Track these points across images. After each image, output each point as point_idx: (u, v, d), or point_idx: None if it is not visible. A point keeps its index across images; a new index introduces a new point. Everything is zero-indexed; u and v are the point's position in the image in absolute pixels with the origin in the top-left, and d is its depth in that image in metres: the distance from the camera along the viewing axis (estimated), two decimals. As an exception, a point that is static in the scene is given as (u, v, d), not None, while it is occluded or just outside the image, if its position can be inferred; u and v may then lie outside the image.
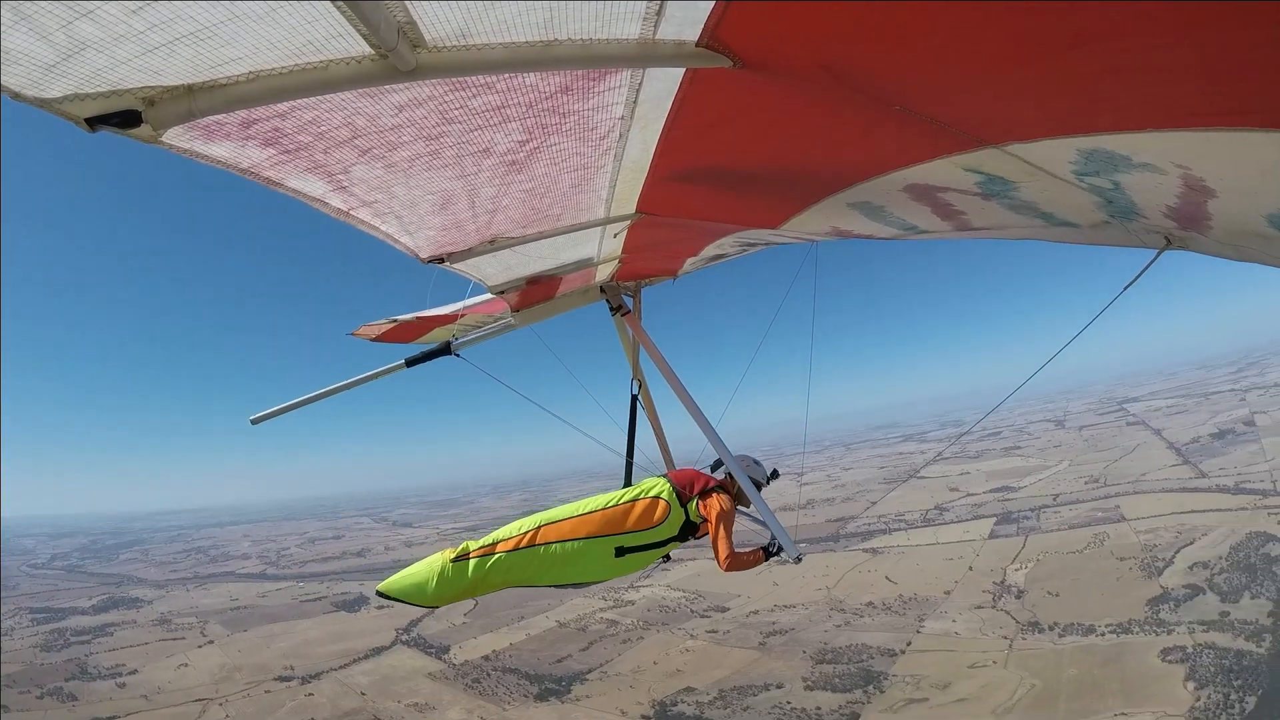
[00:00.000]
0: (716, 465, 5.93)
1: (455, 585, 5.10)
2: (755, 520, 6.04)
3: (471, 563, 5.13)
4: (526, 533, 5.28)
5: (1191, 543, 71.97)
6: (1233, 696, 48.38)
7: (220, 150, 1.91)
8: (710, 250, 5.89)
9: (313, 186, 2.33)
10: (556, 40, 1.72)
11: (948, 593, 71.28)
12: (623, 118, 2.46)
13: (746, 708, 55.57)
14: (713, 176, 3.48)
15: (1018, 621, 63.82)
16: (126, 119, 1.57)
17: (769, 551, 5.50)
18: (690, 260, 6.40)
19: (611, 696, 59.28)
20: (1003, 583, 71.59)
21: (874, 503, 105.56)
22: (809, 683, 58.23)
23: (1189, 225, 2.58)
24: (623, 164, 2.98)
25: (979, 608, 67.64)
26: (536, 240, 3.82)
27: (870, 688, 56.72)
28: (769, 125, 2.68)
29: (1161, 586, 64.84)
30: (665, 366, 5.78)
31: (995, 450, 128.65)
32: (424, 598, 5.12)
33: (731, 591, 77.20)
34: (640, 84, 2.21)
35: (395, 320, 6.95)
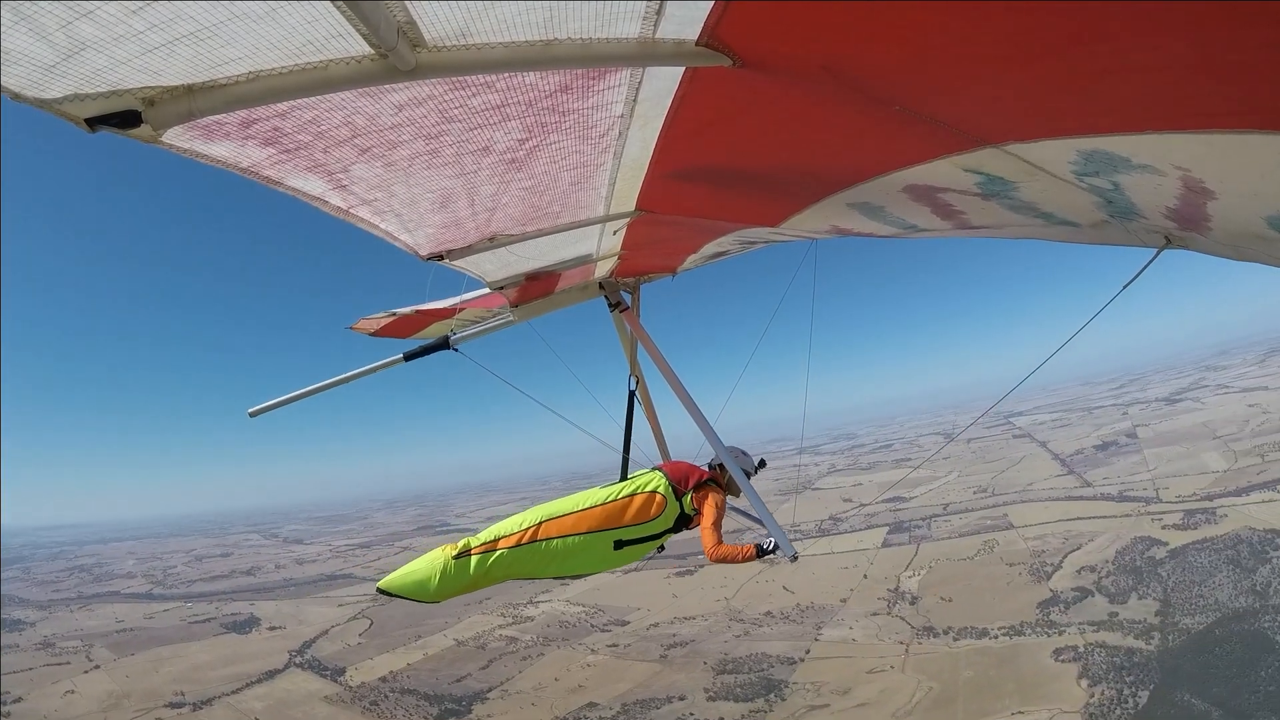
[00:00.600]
0: (715, 460, 5.97)
1: (457, 581, 5.16)
2: (751, 518, 6.06)
3: (474, 559, 5.19)
4: (528, 529, 5.33)
5: (1079, 548, 74.91)
6: (1125, 692, 50.80)
7: (220, 150, 1.91)
8: (710, 248, 5.90)
9: (312, 185, 2.32)
10: (556, 39, 1.71)
11: (844, 601, 73.54)
12: (622, 116, 2.46)
13: (650, 721, 55.96)
14: (712, 175, 3.48)
15: (913, 627, 65.93)
16: (126, 119, 1.56)
17: (762, 549, 5.53)
18: (690, 258, 6.40)
19: (514, 715, 59.12)
20: (897, 590, 73.85)
21: (772, 513, 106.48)
22: (711, 693, 59.19)
23: (1189, 226, 2.59)
24: (622, 162, 2.98)
25: (875, 614, 69.68)
26: (536, 238, 3.82)
27: (772, 696, 57.99)
28: (768, 125, 2.68)
29: (1051, 590, 67.54)
30: (663, 363, 5.80)
31: (887, 462, 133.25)
32: (426, 594, 5.17)
33: (631, 605, 78.09)
34: (640, 83, 2.20)
35: (394, 314, 6.95)
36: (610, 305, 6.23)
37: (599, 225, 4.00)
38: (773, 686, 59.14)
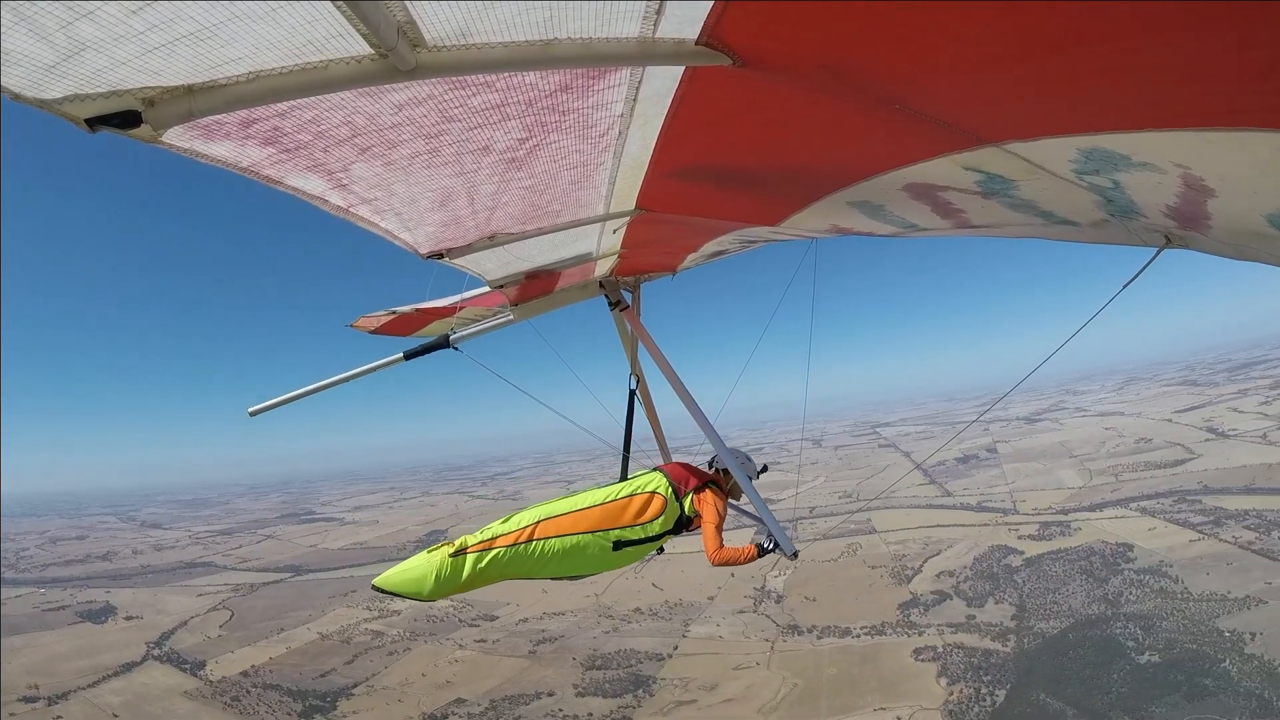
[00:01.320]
0: (714, 460, 5.97)
1: (453, 581, 5.12)
2: (750, 516, 6.07)
3: (469, 558, 5.14)
4: (525, 528, 5.29)
5: (938, 553, 78.20)
6: (983, 691, 53.26)
7: (220, 150, 1.91)
8: (710, 247, 5.89)
9: (312, 184, 2.33)
10: (556, 39, 1.71)
11: (711, 598, 74.76)
12: (622, 115, 2.45)
13: (519, 717, 56.58)
14: (712, 174, 3.48)
15: (778, 625, 67.76)
16: (126, 119, 1.56)
17: (763, 548, 5.55)
18: (690, 256, 6.40)
19: (380, 712, 58.48)
20: (763, 589, 75.75)
21: None
22: (580, 689, 59.71)
23: (1189, 224, 2.59)
24: (622, 161, 2.98)
25: (741, 612, 71.42)
26: (536, 236, 3.82)
27: (640, 691, 58.91)
28: (768, 124, 2.68)
29: (911, 592, 70.53)
30: (663, 362, 5.80)
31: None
32: (421, 593, 5.13)
33: (500, 600, 77.65)
34: (640, 82, 2.20)
35: (394, 312, 6.95)
36: (610, 304, 6.22)
37: (599, 224, 4.00)
38: (641, 682, 60.34)
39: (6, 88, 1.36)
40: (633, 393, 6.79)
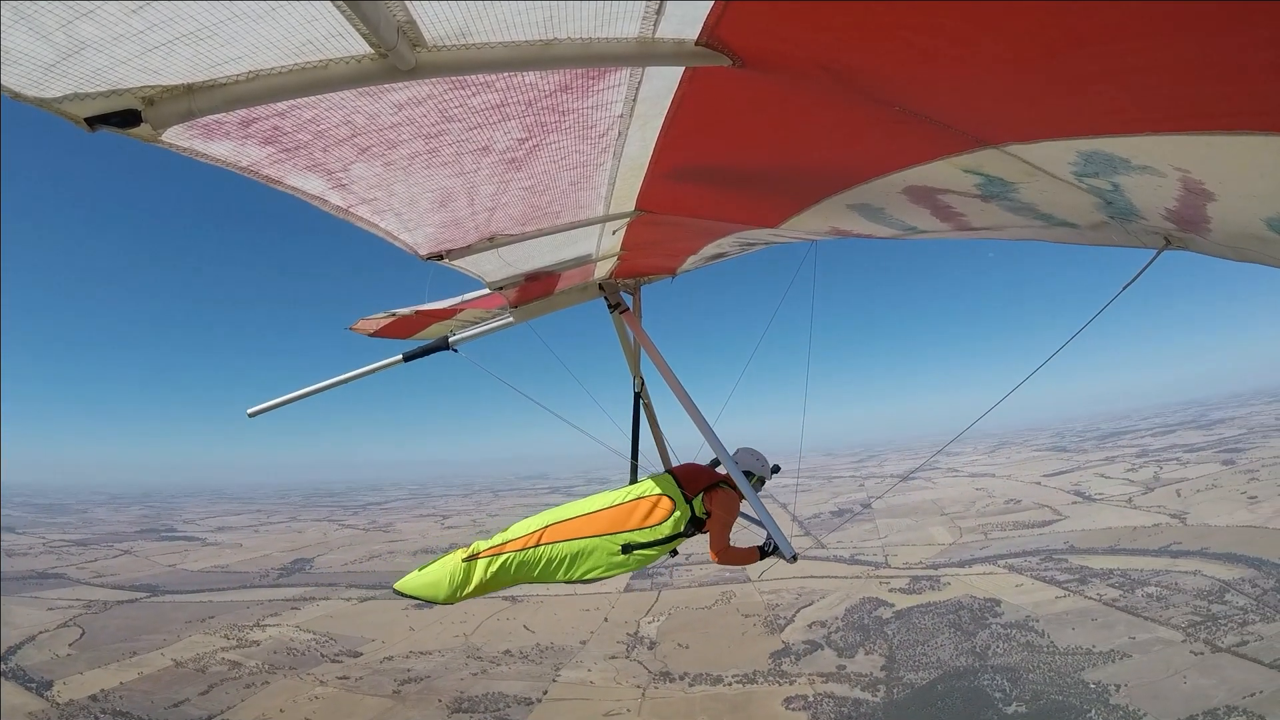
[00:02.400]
0: (716, 461, 5.97)
1: (467, 585, 5.21)
2: (752, 520, 6.06)
3: (481, 563, 5.22)
4: (534, 532, 5.35)
5: (811, 604, 79.13)
6: None
7: (220, 149, 1.91)
8: (710, 249, 5.89)
9: (312, 184, 2.33)
10: (556, 39, 1.71)
11: (584, 643, 73.80)
12: (622, 116, 2.45)
13: (378, 762, 54.32)
14: (712, 175, 3.48)
15: (650, 671, 67.12)
16: (126, 118, 1.56)
17: (764, 550, 5.55)
18: (690, 259, 6.40)
19: None
20: (636, 634, 75.02)
21: None
22: None
23: (1188, 227, 2.59)
24: (622, 162, 2.98)
25: (613, 657, 70.39)
26: (536, 238, 3.82)
27: None
28: (768, 125, 2.68)
29: (783, 641, 71.09)
30: (663, 364, 5.79)
31: None
32: (438, 596, 5.23)
33: (365, 635, 75.50)
34: (640, 83, 2.20)
35: (394, 314, 6.95)
36: (610, 306, 6.22)
37: (599, 225, 4.00)
38: (508, 727, 58.94)
39: (6, 87, 1.36)
40: (638, 396, 6.80)
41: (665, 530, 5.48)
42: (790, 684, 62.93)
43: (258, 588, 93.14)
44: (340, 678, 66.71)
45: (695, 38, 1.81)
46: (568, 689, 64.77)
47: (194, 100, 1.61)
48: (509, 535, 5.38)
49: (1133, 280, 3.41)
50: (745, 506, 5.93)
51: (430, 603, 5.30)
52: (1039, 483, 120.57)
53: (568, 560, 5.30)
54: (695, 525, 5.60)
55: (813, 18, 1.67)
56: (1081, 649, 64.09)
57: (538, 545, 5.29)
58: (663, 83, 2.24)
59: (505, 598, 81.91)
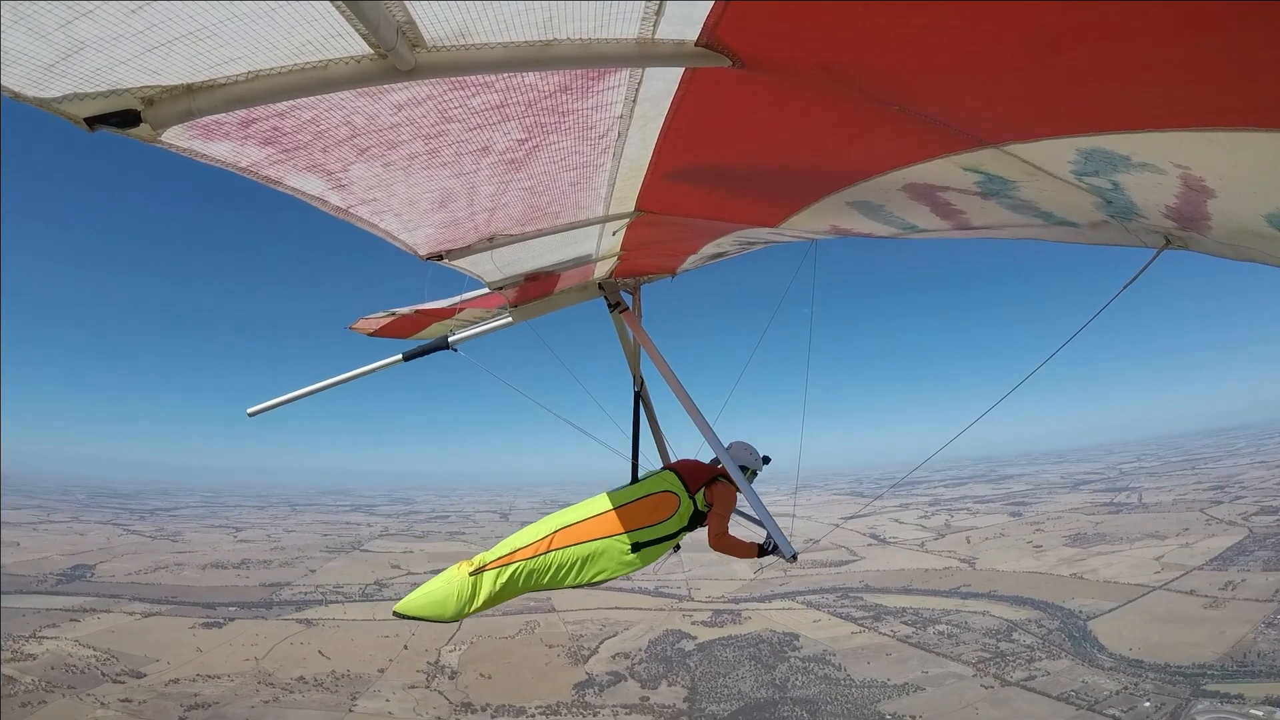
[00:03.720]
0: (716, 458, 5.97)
1: (474, 600, 5.11)
2: (749, 518, 6.06)
3: (488, 575, 5.14)
4: (543, 539, 5.30)
5: (615, 635, 79.29)
6: None
7: (219, 149, 1.91)
8: (709, 249, 5.89)
9: (311, 185, 2.32)
10: (555, 40, 1.71)
11: (382, 671, 70.76)
12: (621, 117, 2.45)
13: (159, 796, 50.37)
14: (712, 175, 3.48)
15: (451, 702, 65.66)
16: (126, 119, 1.56)
17: (764, 549, 5.55)
18: (690, 258, 6.40)
19: None
20: (437, 663, 73.04)
21: (313, 570, 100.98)
22: None
23: (1188, 225, 2.59)
24: (621, 163, 2.98)
25: (413, 687, 68.10)
26: (535, 238, 3.82)
27: None
28: (768, 125, 2.68)
29: (587, 673, 70.88)
30: (662, 363, 5.79)
31: (441, 533, 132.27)
32: (445, 614, 5.12)
33: (150, 655, 69.61)
34: (639, 83, 2.20)
35: (394, 314, 6.96)
36: (610, 306, 6.22)
37: (598, 226, 4.00)
38: (296, 760, 55.93)
39: (6, 87, 1.36)
40: (638, 395, 6.79)
41: (672, 526, 5.50)
42: (594, 715, 63.29)
43: (35, 594, 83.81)
44: (123, 700, 61.15)
45: (695, 38, 1.81)
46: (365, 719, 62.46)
47: (194, 100, 1.61)
48: (516, 544, 5.31)
49: (1132, 280, 3.41)
50: (745, 505, 5.92)
51: (436, 622, 5.17)
52: (837, 524, 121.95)
53: (579, 564, 5.26)
54: (698, 519, 5.64)
55: (812, 18, 1.67)
56: (877, 682, 67.58)
57: (548, 551, 5.24)
58: (662, 83, 2.24)
59: (300, 620, 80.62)
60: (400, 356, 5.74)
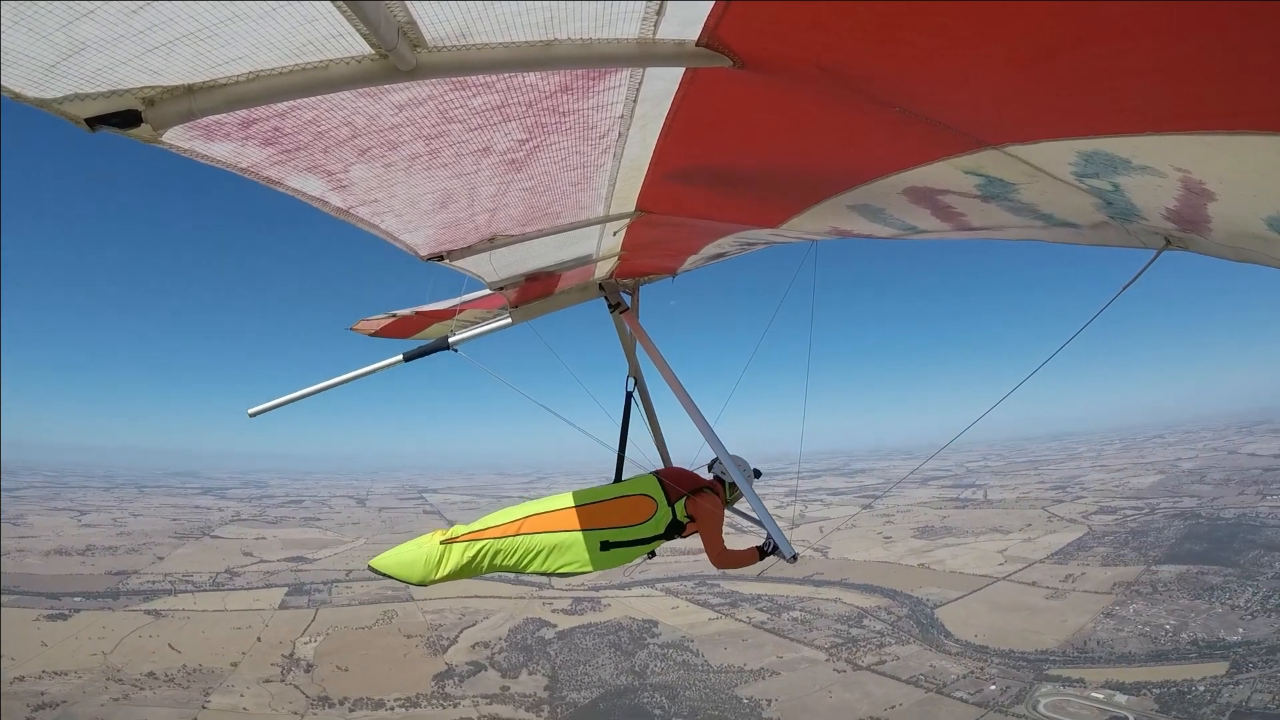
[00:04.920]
0: (712, 465, 5.96)
1: (442, 567, 5.20)
2: (750, 519, 6.05)
3: (457, 547, 5.22)
4: (514, 521, 5.39)
5: (474, 624, 79.17)
6: None
7: (220, 150, 1.91)
8: (710, 249, 5.90)
9: (312, 185, 2.32)
10: (556, 40, 1.71)
11: (235, 664, 68.43)
12: (622, 117, 2.45)
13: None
14: (712, 176, 3.48)
15: (307, 696, 64.41)
16: (126, 119, 1.56)
17: (764, 551, 5.54)
18: (690, 259, 6.40)
19: None
20: (292, 655, 71.31)
21: (161, 558, 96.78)
22: None
23: (1188, 227, 2.59)
24: (622, 163, 2.98)
25: (268, 681, 66.27)
26: (536, 238, 3.82)
27: None
28: (768, 126, 2.68)
29: (447, 663, 70.50)
30: (663, 363, 5.79)
31: (295, 519, 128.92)
32: (411, 577, 5.23)
33: None
34: (640, 84, 2.20)
35: (394, 315, 6.97)
36: (610, 306, 6.22)
37: (599, 226, 4.01)
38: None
39: (7, 87, 1.36)
40: (630, 395, 6.73)
41: (646, 530, 5.48)
42: (454, 706, 63.08)
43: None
44: (-36, 700, 57.82)
45: (695, 39, 1.81)
46: (218, 716, 60.32)
47: (194, 101, 1.61)
48: (489, 522, 5.40)
49: (1132, 280, 3.41)
50: (742, 505, 5.92)
51: (404, 582, 5.31)
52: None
53: (545, 552, 5.30)
54: (675, 529, 5.59)
55: (813, 19, 1.67)
56: (734, 667, 69.51)
57: (517, 534, 5.30)
58: (663, 84, 2.24)
59: (149, 611, 77.70)
60: (400, 357, 5.75)
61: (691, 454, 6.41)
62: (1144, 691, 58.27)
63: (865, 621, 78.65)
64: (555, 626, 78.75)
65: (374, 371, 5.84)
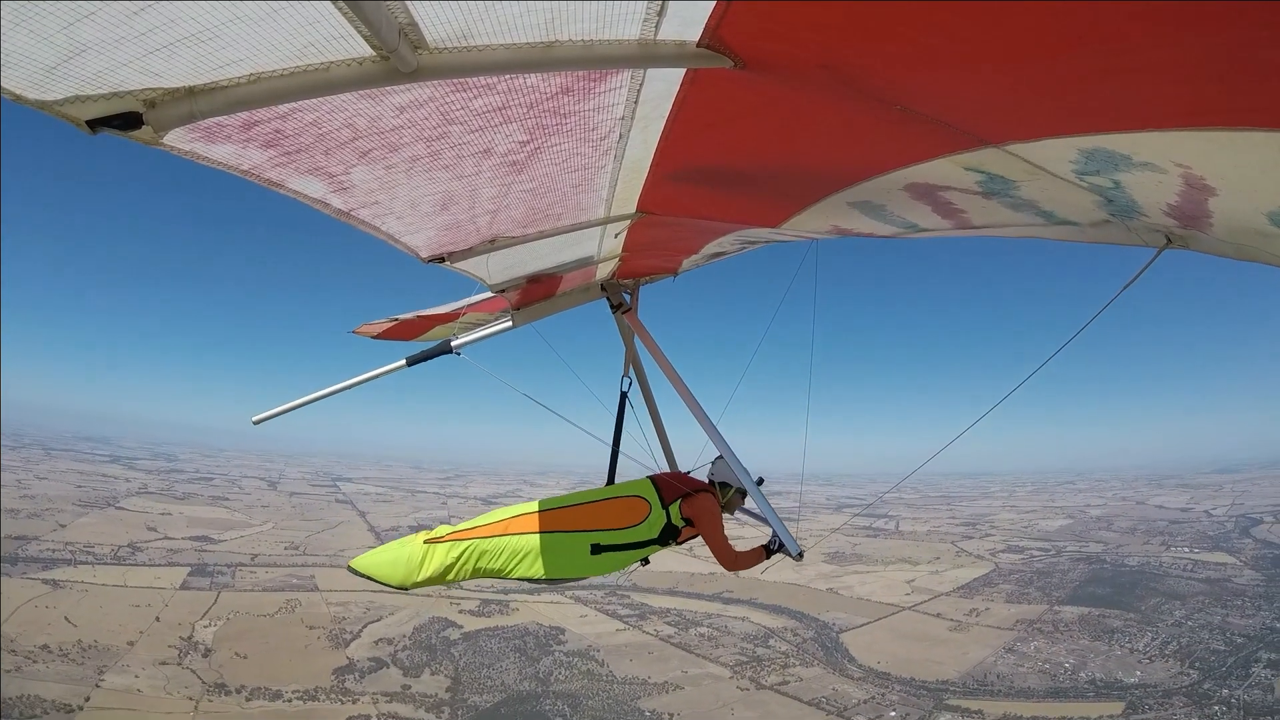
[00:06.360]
0: (714, 469, 5.92)
1: (425, 570, 5.04)
2: (755, 517, 6.03)
3: (441, 549, 5.06)
4: (501, 521, 5.23)
5: (379, 620, 77.34)
6: None
7: (221, 152, 1.91)
8: (710, 248, 5.90)
9: (313, 187, 2.33)
10: (558, 41, 1.71)
11: (131, 643, 66.07)
12: (623, 118, 2.45)
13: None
14: (713, 176, 3.48)
15: (204, 681, 63.00)
16: (127, 121, 1.56)
17: (769, 549, 5.50)
18: (690, 258, 6.40)
19: None
20: (190, 639, 69.08)
21: (63, 525, 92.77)
22: None
23: (1189, 224, 2.59)
24: (623, 164, 2.98)
25: (164, 663, 64.29)
26: (537, 240, 3.82)
27: None
28: (769, 126, 2.68)
29: (348, 657, 69.16)
30: (666, 363, 5.76)
31: (203, 496, 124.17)
32: (392, 579, 5.07)
33: None
34: (641, 85, 2.20)
35: (396, 319, 6.97)
36: (612, 307, 6.20)
37: (600, 227, 4.00)
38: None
39: (8, 89, 1.36)
40: (624, 395, 6.63)
41: (638, 534, 5.32)
42: (353, 702, 62.25)
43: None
44: None
45: (696, 39, 1.81)
46: (112, 697, 57.94)
47: (195, 103, 1.61)
48: (475, 522, 5.25)
49: (1133, 280, 3.40)
50: (749, 504, 5.88)
51: (385, 585, 5.12)
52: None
53: (532, 554, 5.11)
54: (670, 534, 5.41)
55: (814, 18, 1.67)
56: (638, 679, 69.54)
57: (503, 535, 5.13)
58: (664, 84, 2.24)
59: (47, 581, 74.54)
60: (404, 361, 5.74)
61: (692, 456, 6.39)
62: (1041, 727, 59.42)
63: (771, 641, 79.87)
64: (461, 627, 77.90)
65: (378, 376, 5.83)
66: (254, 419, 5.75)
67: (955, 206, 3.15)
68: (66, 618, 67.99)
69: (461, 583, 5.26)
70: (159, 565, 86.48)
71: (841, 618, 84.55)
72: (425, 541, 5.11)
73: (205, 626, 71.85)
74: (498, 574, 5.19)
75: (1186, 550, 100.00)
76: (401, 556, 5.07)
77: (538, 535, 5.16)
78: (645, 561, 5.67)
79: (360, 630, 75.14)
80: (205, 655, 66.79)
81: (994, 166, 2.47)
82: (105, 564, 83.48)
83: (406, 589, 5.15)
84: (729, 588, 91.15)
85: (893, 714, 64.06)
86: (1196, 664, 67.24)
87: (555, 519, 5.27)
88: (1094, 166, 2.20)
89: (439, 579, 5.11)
